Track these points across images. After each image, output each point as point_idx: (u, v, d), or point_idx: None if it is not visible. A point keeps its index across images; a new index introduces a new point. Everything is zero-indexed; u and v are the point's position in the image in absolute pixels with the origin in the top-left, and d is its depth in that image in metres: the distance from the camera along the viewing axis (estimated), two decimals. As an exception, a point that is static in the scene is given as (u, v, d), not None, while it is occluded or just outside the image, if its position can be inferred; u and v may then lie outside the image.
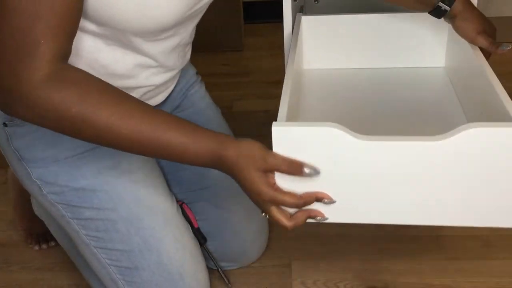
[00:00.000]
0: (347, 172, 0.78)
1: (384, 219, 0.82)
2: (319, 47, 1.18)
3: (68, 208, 1.00)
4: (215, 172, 1.08)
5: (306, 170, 0.76)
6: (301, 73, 1.15)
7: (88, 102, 0.74)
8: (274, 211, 0.79)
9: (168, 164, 1.15)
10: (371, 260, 1.24)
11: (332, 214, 0.81)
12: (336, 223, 1.35)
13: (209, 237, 1.17)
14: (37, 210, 1.28)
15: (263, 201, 0.78)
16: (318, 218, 0.81)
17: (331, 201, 0.79)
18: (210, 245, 1.18)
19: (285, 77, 0.92)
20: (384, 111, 1.05)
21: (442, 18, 1.01)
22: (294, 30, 1.10)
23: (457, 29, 1.01)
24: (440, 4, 0.99)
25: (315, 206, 0.81)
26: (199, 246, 1.11)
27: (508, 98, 0.81)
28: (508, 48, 0.98)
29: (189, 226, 1.12)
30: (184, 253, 1.04)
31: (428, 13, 1.02)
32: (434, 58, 1.15)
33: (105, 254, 1.01)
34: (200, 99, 1.21)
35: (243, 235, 1.19)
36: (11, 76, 0.72)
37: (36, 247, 1.33)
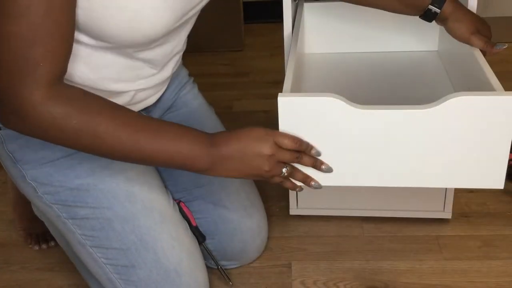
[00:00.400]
0: (345, 139, 0.86)
1: (378, 182, 0.91)
2: (320, 33, 1.26)
3: (64, 208, 1.00)
4: None
5: (313, 151, 0.86)
6: (302, 56, 1.22)
7: (87, 114, 0.80)
8: (276, 177, 0.87)
9: None
10: (371, 260, 1.24)
11: (329, 178, 0.90)
12: (336, 223, 1.36)
13: (208, 235, 1.17)
14: (36, 211, 1.28)
15: (265, 159, 0.84)
16: (313, 184, 0.90)
17: (328, 169, 0.88)
18: (209, 243, 1.18)
19: (289, 58, 1.00)
20: (380, 88, 1.14)
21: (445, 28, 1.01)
22: (296, 17, 1.17)
23: (450, 31, 1.01)
24: (430, 6, 1.00)
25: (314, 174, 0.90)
26: (197, 244, 1.11)
27: (492, 74, 0.89)
28: (504, 47, 0.97)
29: (187, 224, 1.12)
30: (181, 250, 1.04)
31: (419, 17, 1.03)
32: (428, 43, 1.24)
33: (101, 254, 1.01)
34: (192, 99, 1.21)
35: (242, 232, 1.18)
36: (15, 98, 0.78)
37: (36, 247, 1.33)
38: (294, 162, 0.88)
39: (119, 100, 0.98)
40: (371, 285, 1.18)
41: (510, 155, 1.45)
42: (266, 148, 0.84)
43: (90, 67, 0.90)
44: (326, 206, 1.34)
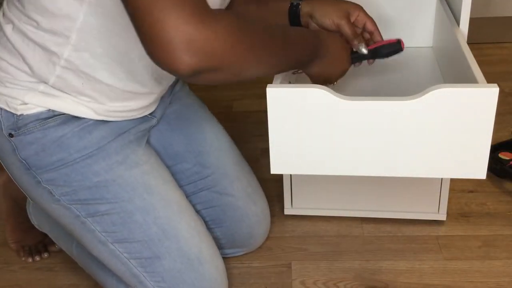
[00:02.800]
0: (331, 129, 0.89)
1: (364, 171, 0.93)
2: None
3: (83, 207, 1.00)
4: (212, 161, 1.18)
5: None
6: None
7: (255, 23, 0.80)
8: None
9: (167, 157, 1.16)
10: (371, 260, 1.24)
11: (316, 168, 0.93)
12: (336, 223, 1.36)
13: (217, 223, 1.19)
14: (37, 222, 1.27)
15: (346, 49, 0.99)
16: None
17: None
18: (218, 231, 1.20)
19: None
20: (373, 82, 1.16)
21: (316, 24, 1.02)
22: None
23: (319, 21, 1.02)
24: (292, 1, 1.02)
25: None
26: (211, 235, 1.12)
27: (477, 68, 0.92)
28: (362, 51, 1.01)
29: (200, 217, 1.13)
30: (200, 239, 1.05)
31: (288, 12, 1.04)
32: (423, 39, 1.28)
33: (124, 248, 1.01)
34: (186, 96, 1.22)
35: (249, 218, 1.21)
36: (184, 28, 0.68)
37: (29, 259, 1.30)
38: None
39: (144, 102, 1.02)
40: (371, 285, 1.18)
41: (510, 155, 1.46)
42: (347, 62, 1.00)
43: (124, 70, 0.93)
44: (326, 206, 1.34)
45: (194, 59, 0.69)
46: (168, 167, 1.15)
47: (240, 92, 1.97)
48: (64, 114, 0.96)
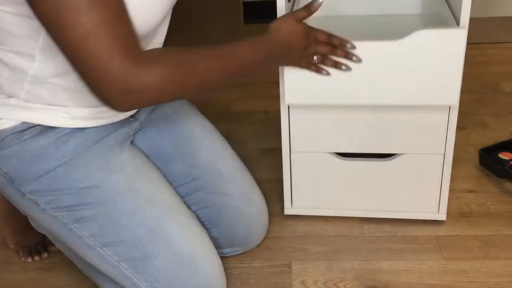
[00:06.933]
0: None
1: (356, 101, 1.15)
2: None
3: (68, 214, 1.00)
4: (204, 161, 1.19)
5: (348, 45, 1.07)
6: None
7: (185, 53, 0.89)
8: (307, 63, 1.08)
9: (158, 159, 1.16)
10: (371, 260, 1.24)
11: (317, 97, 1.15)
12: (336, 223, 1.36)
13: (213, 224, 1.19)
14: (35, 223, 1.26)
15: (306, 44, 1.03)
16: (344, 67, 1.09)
17: (358, 60, 1.09)
18: (214, 231, 1.20)
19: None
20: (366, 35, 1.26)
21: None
22: None
23: None
24: None
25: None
26: (206, 231, 1.11)
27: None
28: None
29: (193, 213, 1.12)
30: (193, 237, 1.04)
31: None
32: (411, 6, 1.37)
33: (113, 252, 1.01)
34: None
35: (245, 216, 1.21)
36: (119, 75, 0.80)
37: (29, 259, 1.30)
38: (328, 54, 1.07)
39: None
40: (371, 285, 1.18)
41: (510, 155, 1.46)
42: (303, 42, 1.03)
43: None
44: (326, 206, 1.34)
45: (130, 104, 0.84)
46: (160, 169, 1.15)
47: (239, 93, 1.97)
48: (39, 125, 0.97)
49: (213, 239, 1.17)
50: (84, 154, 1.00)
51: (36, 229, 1.27)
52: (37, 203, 1.00)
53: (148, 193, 1.03)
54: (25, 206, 1.02)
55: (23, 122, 0.97)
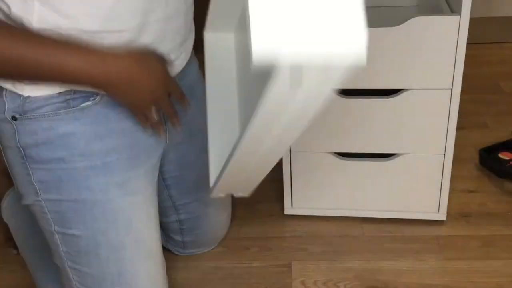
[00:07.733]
0: None
1: (355, 86, 1.16)
2: None
3: (59, 221, 0.94)
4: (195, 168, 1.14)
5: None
6: None
7: None
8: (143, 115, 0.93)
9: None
10: (371, 260, 1.24)
11: None
12: (336, 223, 1.36)
13: (189, 231, 1.22)
14: (5, 214, 1.21)
15: (158, 94, 0.90)
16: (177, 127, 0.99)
17: (176, 126, 0.98)
18: (187, 237, 1.23)
19: None
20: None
21: None
22: None
23: None
24: None
25: None
26: (166, 283, 1.06)
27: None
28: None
29: (164, 261, 1.06)
30: None
31: None
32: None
33: (77, 276, 0.97)
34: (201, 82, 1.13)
35: (217, 224, 1.26)
36: None
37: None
38: (167, 113, 0.95)
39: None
40: (371, 285, 1.18)
41: (510, 155, 1.46)
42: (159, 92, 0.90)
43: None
44: (326, 206, 1.34)
45: None
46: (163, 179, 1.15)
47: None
48: (77, 107, 0.89)
49: (182, 243, 1.22)
50: (113, 161, 0.93)
51: (5, 220, 1.21)
52: (37, 193, 0.93)
53: (139, 231, 0.98)
54: (24, 189, 0.95)
55: (59, 94, 0.87)
